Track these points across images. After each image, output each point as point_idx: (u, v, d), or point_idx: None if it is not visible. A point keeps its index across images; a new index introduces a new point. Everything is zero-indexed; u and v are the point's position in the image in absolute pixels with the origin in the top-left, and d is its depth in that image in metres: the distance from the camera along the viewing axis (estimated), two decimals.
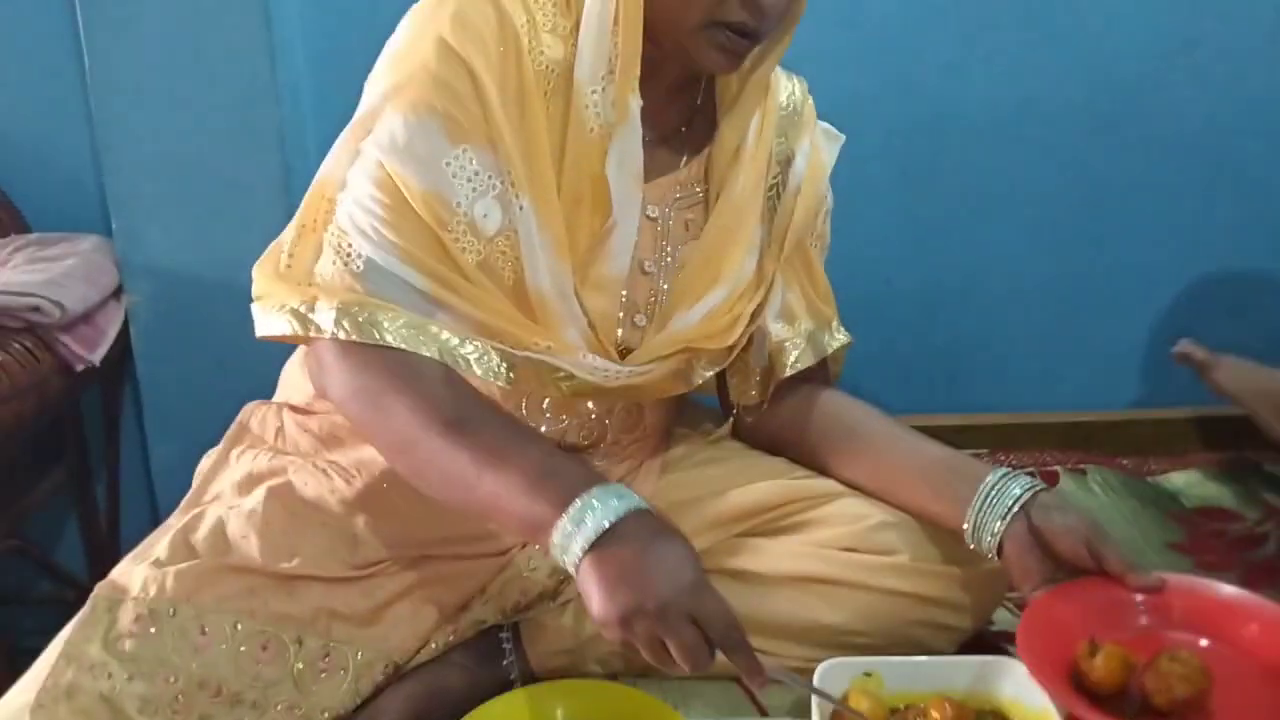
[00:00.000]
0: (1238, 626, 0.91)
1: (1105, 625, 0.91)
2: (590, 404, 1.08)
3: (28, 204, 1.69)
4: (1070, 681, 0.87)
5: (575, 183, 0.99)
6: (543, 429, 1.07)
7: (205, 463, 1.11)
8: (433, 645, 1.01)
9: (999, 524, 0.97)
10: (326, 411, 1.10)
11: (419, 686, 1.00)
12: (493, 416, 0.94)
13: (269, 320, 0.96)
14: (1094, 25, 1.66)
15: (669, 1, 0.94)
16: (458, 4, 0.95)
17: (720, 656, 1.01)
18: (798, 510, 1.08)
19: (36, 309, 1.46)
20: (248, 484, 1.05)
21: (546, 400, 1.06)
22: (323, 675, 0.95)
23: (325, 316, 0.92)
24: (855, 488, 1.10)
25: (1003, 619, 1.11)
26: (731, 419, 1.22)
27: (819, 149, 1.15)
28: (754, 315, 1.11)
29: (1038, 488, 0.99)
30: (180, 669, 0.90)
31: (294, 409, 1.13)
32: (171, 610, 0.91)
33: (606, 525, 0.82)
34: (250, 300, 0.99)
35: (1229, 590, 0.94)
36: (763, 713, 1.02)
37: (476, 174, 0.95)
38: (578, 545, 0.82)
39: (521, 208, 0.96)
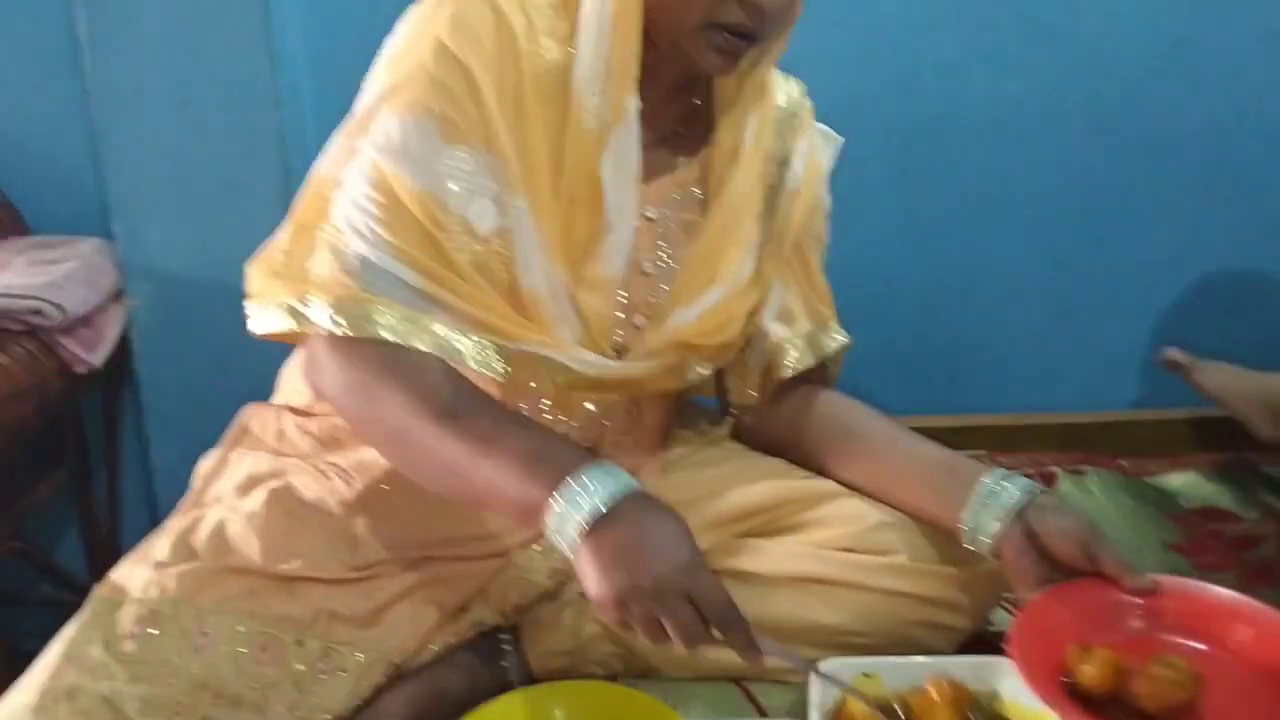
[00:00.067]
0: (1232, 630, 0.91)
1: (1099, 628, 0.91)
2: (590, 405, 1.08)
3: (28, 207, 1.70)
4: (1061, 684, 0.87)
5: (573, 184, 0.99)
6: None
7: (205, 464, 1.12)
8: (433, 646, 1.01)
9: (995, 525, 0.97)
10: (326, 413, 1.10)
11: (419, 688, 1.00)
12: (486, 404, 0.94)
13: (264, 317, 0.96)
14: (1092, 26, 1.67)
15: (667, 3, 0.95)
16: (455, 6, 0.95)
17: (722, 658, 1.04)
18: (796, 511, 1.08)
19: (37, 311, 1.46)
20: (248, 486, 1.05)
21: (546, 401, 1.06)
22: (323, 676, 0.95)
23: (319, 311, 0.92)
24: (853, 488, 1.10)
25: (1001, 619, 1.11)
26: (731, 420, 1.23)
27: (817, 151, 1.15)
28: (751, 314, 1.11)
29: (1035, 489, 0.99)
30: (181, 670, 0.90)
31: (294, 411, 1.13)
32: (172, 611, 0.91)
33: (602, 506, 0.82)
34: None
35: (1223, 594, 0.94)
36: (762, 713, 1.02)
37: (472, 174, 0.95)
38: (573, 527, 0.82)
39: (516, 208, 0.97)
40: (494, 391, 1.01)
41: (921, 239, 1.76)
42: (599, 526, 0.82)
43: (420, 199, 0.94)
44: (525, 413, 1.05)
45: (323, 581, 0.97)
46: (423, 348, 0.93)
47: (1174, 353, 1.46)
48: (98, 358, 1.56)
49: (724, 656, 1.02)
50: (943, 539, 1.04)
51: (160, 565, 0.94)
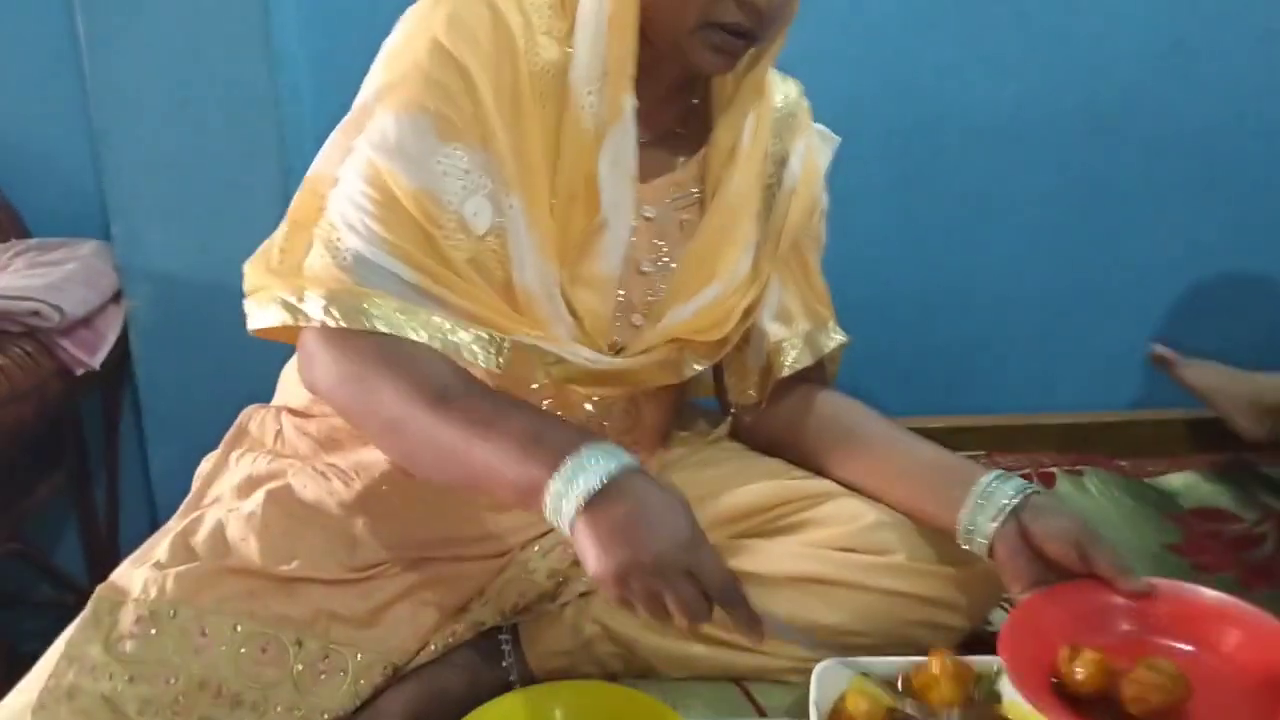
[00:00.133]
0: (1222, 633, 0.91)
1: (1090, 629, 0.91)
2: (588, 406, 1.08)
3: (28, 209, 1.70)
4: (1050, 685, 0.87)
5: (570, 182, 0.99)
6: None
7: (204, 466, 1.12)
8: (432, 647, 1.01)
9: (991, 525, 0.97)
10: (325, 415, 1.10)
11: (418, 688, 1.00)
12: (482, 390, 0.94)
13: (260, 313, 0.96)
14: (1089, 28, 1.67)
15: (664, 3, 0.95)
16: (453, 5, 0.95)
17: (721, 657, 1.04)
18: (794, 511, 1.08)
19: (36, 313, 1.46)
20: (247, 487, 1.05)
21: (545, 401, 1.06)
22: (322, 677, 0.95)
23: (314, 305, 0.92)
24: (851, 488, 1.10)
25: (1000, 619, 1.11)
26: (730, 420, 1.23)
27: (814, 150, 1.16)
28: (747, 312, 1.11)
29: (1030, 490, 0.99)
30: (181, 670, 0.90)
31: (293, 412, 1.13)
32: (172, 612, 0.91)
33: (599, 483, 0.81)
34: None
35: (1215, 597, 0.94)
36: (761, 713, 1.02)
37: (467, 172, 0.95)
38: (571, 504, 0.82)
39: (512, 206, 0.97)
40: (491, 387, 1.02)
41: (920, 240, 1.76)
42: (597, 503, 0.81)
43: (416, 196, 0.94)
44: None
45: (322, 582, 0.97)
46: (417, 338, 0.92)
47: (1161, 349, 1.47)
48: (97, 359, 1.56)
49: (723, 656, 1.04)
50: (941, 538, 1.04)
51: (160, 566, 0.95)
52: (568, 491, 0.82)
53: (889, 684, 0.91)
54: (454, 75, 0.94)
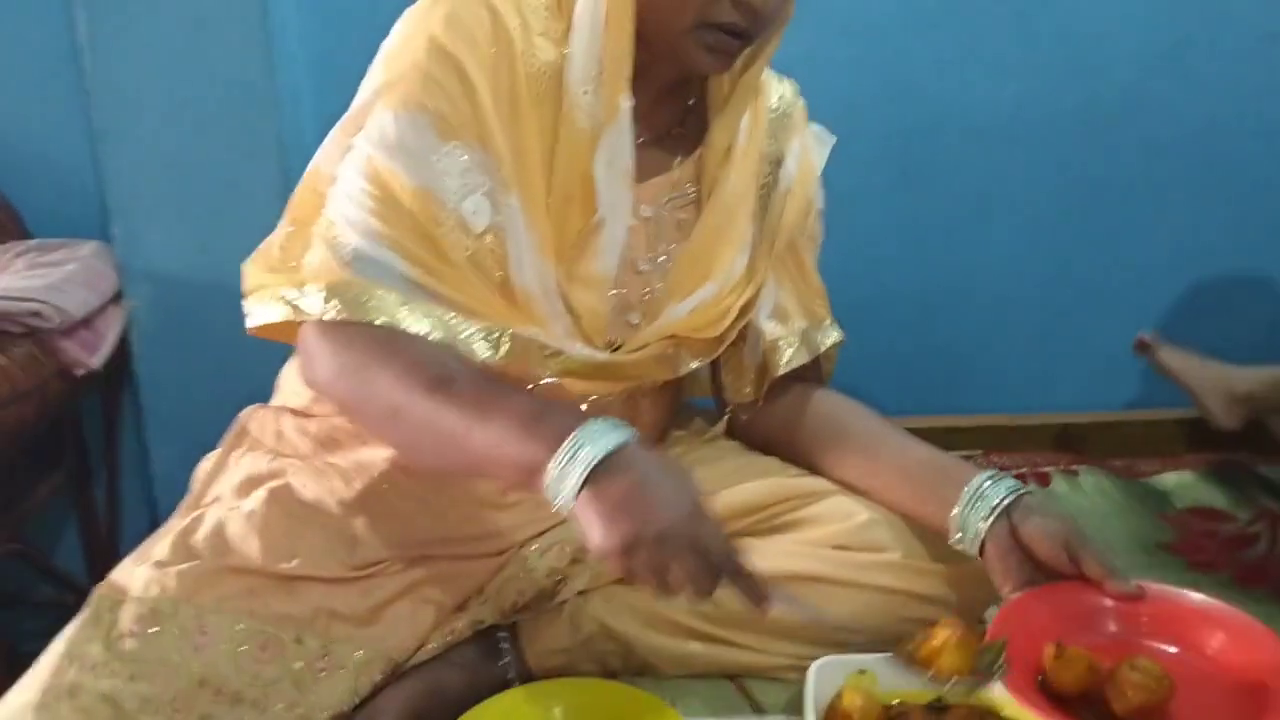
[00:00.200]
0: (1208, 636, 0.92)
1: (1077, 630, 0.91)
2: (586, 406, 1.09)
3: (28, 210, 1.70)
4: (1036, 683, 0.87)
5: (566, 182, 1.00)
6: None
7: (204, 465, 1.12)
8: (431, 645, 1.02)
9: (981, 525, 0.98)
10: (325, 414, 1.10)
11: (417, 686, 1.00)
12: (478, 373, 0.94)
13: (261, 310, 0.97)
14: (1088, 28, 1.68)
15: (660, 3, 0.96)
16: (451, 6, 0.96)
17: (719, 656, 1.05)
18: (791, 509, 1.09)
19: (37, 314, 1.47)
20: (247, 486, 1.05)
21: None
22: (322, 674, 0.95)
23: (313, 299, 0.93)
24: (846, 487, 1.11)
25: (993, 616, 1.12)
26: (726, 418, 1.23)
27: (810, 150, 1.16)
28: (743, 310, 1.12)
29: (1021, 490, 1.00)
30: (181, 668, 0.90)
31: (293, 412, 1.13)
32: (173, 610, 0.92)
33: (600, 458, 0.81)
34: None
35: (1201, 600, 0.95)
36: (758, 710, 1.03)
37: (467, 171, 0.96)
38: (572, 481, 0.81)
39: (510, 205, 0.97)
40: None
41: (918, 240, 1.77)
42: (599, 478, 0.81)
43: (416, 194, 0.94)
44: None
45: (322, 580, 0.98)
46: (418, 329, 0.93)
47: (1145, 335, 1.50)
48: (97, 360, 1.57)
49: (720, 653, 1.05)
50: (934, 537, 1.04)
51: (160, 564, 0.95)
52: (569, 468, 0.81)
53: (894, 654, 0.91)
54: (452, 75, 0.95)
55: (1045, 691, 0.87)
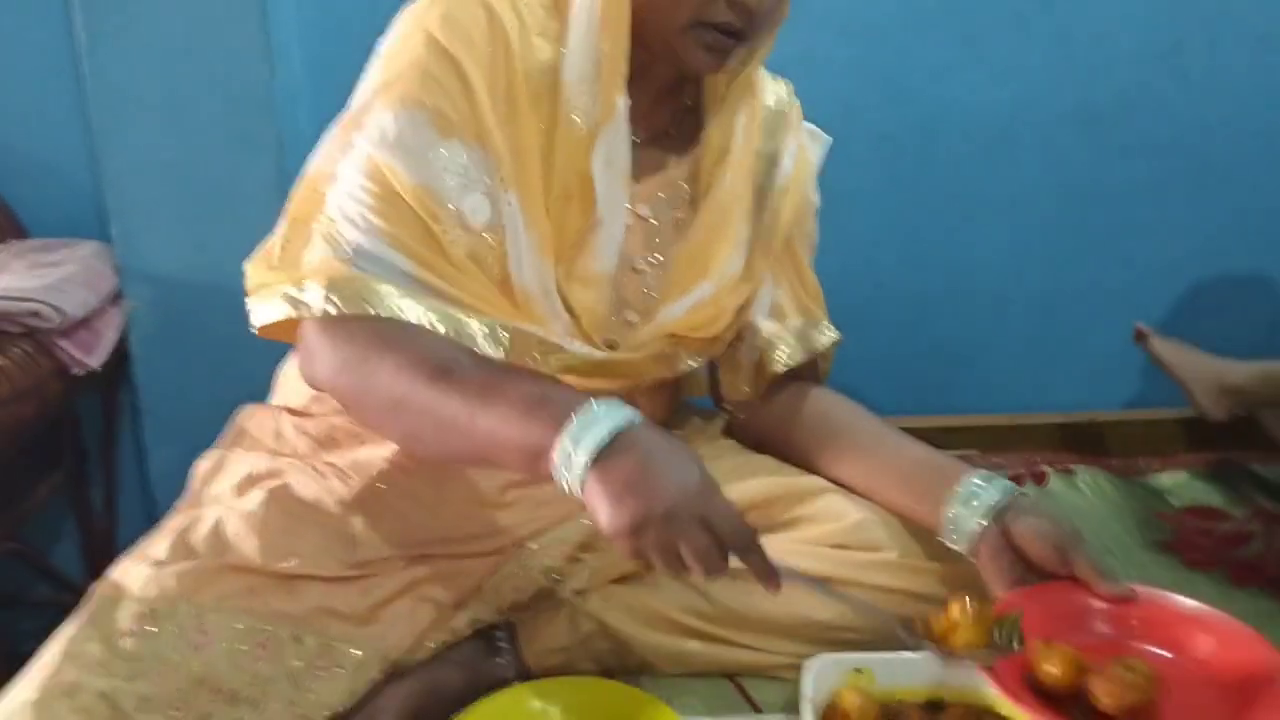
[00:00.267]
0: (1197, 640, 0.92)
1: (1067, 630, 0.92)
2: None
3: (27, 210, 1.70)
4: (1025, 681, 0.87)
5: (564, 181, 1.00)
6: None
7: (203, 465, 1.12)
8: (429, 644, 1.01)
9: (974, 525, 0.99)
10: (323, 414, 1.10)
11: (416, 684, 1.00)
12: (479, 360, 0.93)
13: (263, 309, 0.96)
14: (1083, 30, 1.68)
15: (656, 3, 0.96)
16: (447, 4, 0.96)
17: (718, 655, 1.05)
18: (788, 507, 1.09)
19: (36, 314, 1.47)
20: (245, 485, 1.05)
21: None
22: (320, 673, 0.95)
23: (315, 294, 0.93)
24: (841, 486, 1.11)
25: None
26: (724, 417, 1.24)
27: (805, 149, 1.17)
28: (740, 310, 1.12)
29: (1014, 490, 1.00)
30: (180, 667, 0.90)
31: (291, 411, 1.14)
32: (171, 609, 0.91)
33: (606, 437, 0.81)
34: (245, 302, 1.00)
35: (1191, 604, 0.95)
36: (756, 709, 1.03)
37: (466, 169, 0.96)
38: (579, 461, 0.81)
39: (509, 204, 0.98)
40: None
41: (914, 242, 1.77)
42: (606, 457, 0.80)
43: (416, 192, 0.94)
44: None
45: (320, 579, 0.98)
46: (417, 322, 0.93)
47: (1142, 325, 1.52)
48: (96, 360, 1.57)
49: (718, 652, 1.05)
50: (930, 536, 1.05)
51: (159, 563, 0.95)
52: (575, 449, 0.81)
53: (905, 628, 0.91)
54: (450, 73, 0.95)
55: (1033, 688, 0.87)
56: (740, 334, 1.16)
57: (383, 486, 1.04)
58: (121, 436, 1.76)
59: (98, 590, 0.94)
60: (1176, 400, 1.55)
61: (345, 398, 0.98)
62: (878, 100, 1.70)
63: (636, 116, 1.01)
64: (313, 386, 1.00)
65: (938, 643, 0.91)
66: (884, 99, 1.71)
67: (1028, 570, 0.97)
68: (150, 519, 1.70)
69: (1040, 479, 1.51)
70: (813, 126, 1.20)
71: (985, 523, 0.98)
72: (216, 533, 0.98)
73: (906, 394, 1.77)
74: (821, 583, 0.92)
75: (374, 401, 0.93)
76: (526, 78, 0.98)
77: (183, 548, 0.97)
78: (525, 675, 1.04)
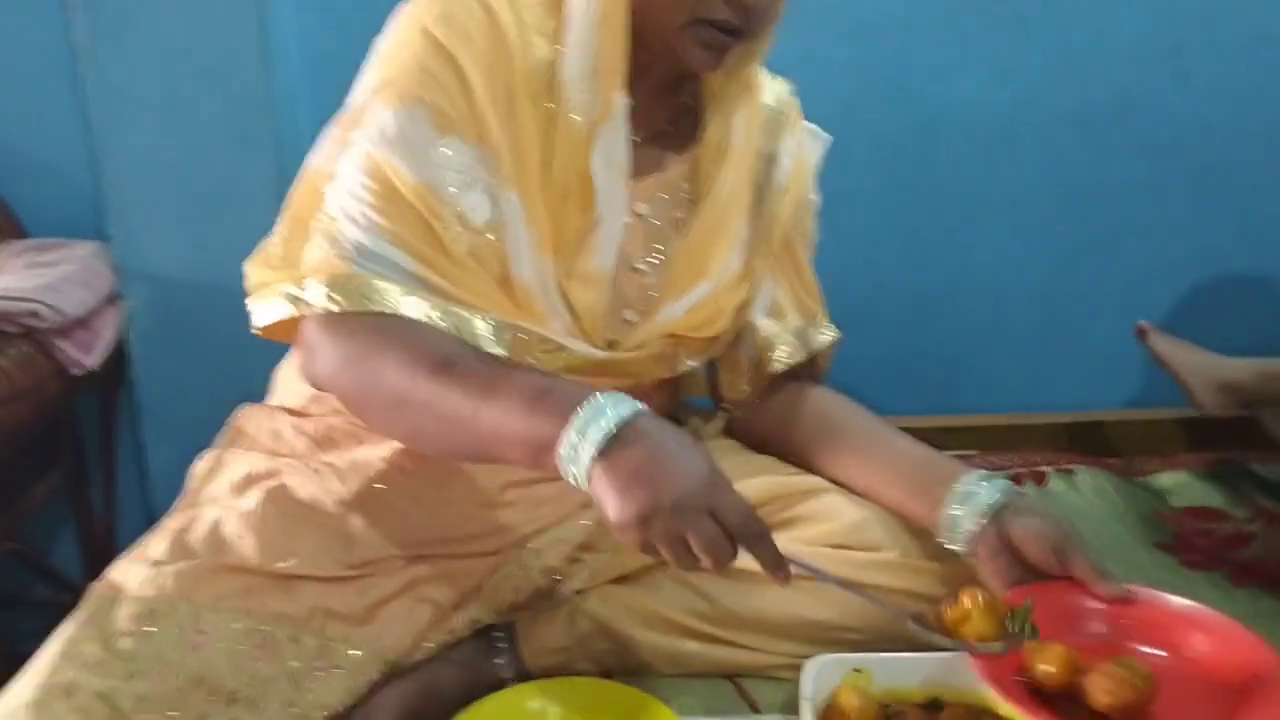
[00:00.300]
0: (1193, 641, 0.92)
1: (1062, 629, 0.91)
2: None
3: (25, 210, 1.70)
4: (1019, 679, 0.87)
5: (563, 180, 1.00)
6: None
7: (201, 464, 1.12)
8: (428, 644, 1.01)
9: (971, 525, 0.99)
10: (321, 414, 1.10)
11: (414, 685, 1.00)
12: (482, 355, 0.93)
13: (264, 308, 0.96)
14: (1082, 30, 1.68)
15: (654, 1, 0.96)
16: (445, 2, 0.96)
17: (717, 655, 1.05)
18: (787, 506, 1.09)
19: (34, 314, 1.47)
20: (243, 485, 1.05)
21: None
22: (318, 673, 0.95)
23: (316, 292, 0.92)
24: (840, 485, 1.11)
25: None
26: (723, 416, 1.23)
27: (804, 148, 1.17)
28: (739, 309, 1.12)
29: (1012, 490, 1.00)
30: (178, 667, 0.90)
31: (289, 411, 1.13)
32: (169, 609, 0.91)
33: (613, 429, 0.80)
34: (245, 305, 1.00)
35: (1188, 605, 0.94)
36: (755, 709, 1.03)
37: (466, 166, 0.96)
38: (586, 453, 0.80)
39: (509, 201, 0.98)
40: None
41: (913, 242, 1.77)
42: (612, 449, 0.80)
43: (417, 189, 0.94)
44: None
45: (318, 579, 0.98)
46: (419, 317, 0.92)
47: (1143, 322, 1.53)
48: (94, 360, 1.57)
49: (717, 652, 1.05)
50: (929, 535, 1.05)
51: (157, 563, 0.95)
52: (581, 441, 0.80)
53: (917, 620, 0.91)
54: (449, 70, 0.95)
55: (1027, 687, 0.87)
56: (739, 333, 1.16)
57: (381, 486, 1.03)
58: (120, 436, 1.76)
59: (96, 590, 0.94)
60: (1177, 400, 1.55)
61: (348, 396, 0.97)
62: (878, 100, 1.70)
63: (635, 115, 1.00)
64: (314, 386, 1.00)
65: (950, 634, 0.91)
66: (884, 99, 1.71)
67: (1025, 570, 0.97)
68: (149, 519, 1.70)
69: (1040, 479, 1.51)
70: (812, 126, 1.20)
71: (983, 522, 0.98)
72: (214, 532, 0.98)
73: (906, 394, 1.77)
74: (831, 575, 0.91)
75: (377, 398, 0.93)
76: (525, 76, 0.98)
77: (181, 547, 0.97)
78: (524, 675, 1.04)
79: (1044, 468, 1.53)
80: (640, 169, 1.04)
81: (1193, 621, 0.93)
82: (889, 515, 1.07)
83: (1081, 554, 0.95)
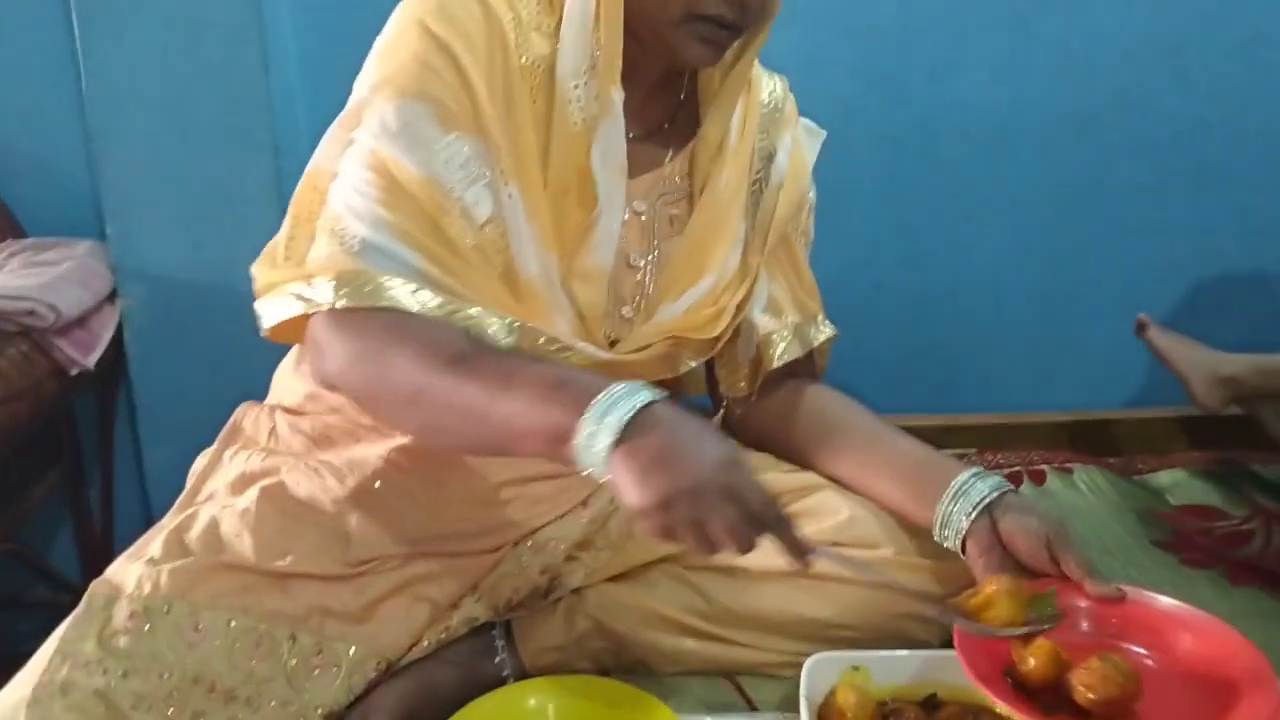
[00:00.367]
0: (1181, 642, 0.92)
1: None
2: None
3: (23, 209, 1.70)
4: (1004, 674, 0.87)
5: (561, 176, 1.00)
6: None
7: (199, 463, 1.12)
8: (425, 642, 1.02)
9: (963, 521, 0.99)
10: (318, 412, 1.10)
11: (411, 683, 1.00)
12: (497, 349, 0.93)
13: (273, 309, 0.95)
14: (1080, 31, 1.68)
15: None
16: (442, 1, 0.96)
17: (717, 654, 1.05)
18: (784, 504, 1.08)
19: (31, 313, 1.47)
20: (241, 484, 1.05)
21: None
22: (315, 672, 0.95)
23: (323, 289, 0.92)
24: (837, 483, 1.11)
25: None
26: (721, 415, 1.23)
27: (801, 145, 1.17)
28: (739, 308, 1.12)
29: (1005, 487, 1.00)
30: (175, 666, 0.90)
31: (286, 410, 1.13)
32: (166, 607, 0.91)
33: (630, 416, 0.80)
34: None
35: (1177, 605, 0.94)
36: (753, 708, 1.03)
37: (468, 161, 0.96)
38: (603, 442, 0.80)
39: (510, 196, 0.97)
40: None
41: (913, 242, 1.77)
42: (630, 436, 0.79)
43: (422, 183, 0.94)
44: None
45: (315, 578, 0.98)
46: (428, 313, 0.92)
47: (1144, 316, 1.52)
48: (92, 359, 1.57)
49: (714, 650, 1.05)
50: (925, 532, 1.04)
51: (154, 562, 0.95)
52: (598, 430, 0.80)
53: (940, 605, 0.90)
54: (449, 66, 0.95)
55: (1012, 681, 0.87)
56: (737, 330, 1.16)
57: (378, 485, 1.03)
58: (118, 436, 1.76)
59: (93, 589, 0.94)
60: (1175, 399, 1.55)
61: (358, 393, 0.96)
62: (878, 100, 1.70)
63: (631, 112, 1.00)
64: (323, 384, 0.98)
65: (974, 617, 0.90)
66: (884, 99, 1.71)
67: (1017, 567, 0.97)
68: (147, 517, 1.71)
69: (1039, 478, 1.51)
70: (808, 121, 1.20)
71: (974, 518, 0.98)
72: (211, 531, 0.98)
73: (905, 393, 1.76)
74: (853, 562, 0.91)
75: (390, 394, 0.92)
76: (523, 72, 0.98)
77: (178, 546, 0.97)
78: (521, 674, 1.04)
79: (1042, 466, 1.53)
80: (636, 166, 1.04)
81: (1181, 621, 0.93)
82: (884, 513, 1.07)
83: (1073, 552, 0.95)
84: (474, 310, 0.94)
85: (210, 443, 1.14)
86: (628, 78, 0.99)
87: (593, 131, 0.99)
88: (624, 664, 1.06)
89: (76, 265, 1.58)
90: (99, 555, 1.73)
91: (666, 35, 0.97)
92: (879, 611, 1.03)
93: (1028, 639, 0.87)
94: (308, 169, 1.01)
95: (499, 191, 0.97)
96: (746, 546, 0.81)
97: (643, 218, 1.08)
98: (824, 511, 1.08)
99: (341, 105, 1.01)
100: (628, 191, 1.03)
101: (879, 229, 1.76)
